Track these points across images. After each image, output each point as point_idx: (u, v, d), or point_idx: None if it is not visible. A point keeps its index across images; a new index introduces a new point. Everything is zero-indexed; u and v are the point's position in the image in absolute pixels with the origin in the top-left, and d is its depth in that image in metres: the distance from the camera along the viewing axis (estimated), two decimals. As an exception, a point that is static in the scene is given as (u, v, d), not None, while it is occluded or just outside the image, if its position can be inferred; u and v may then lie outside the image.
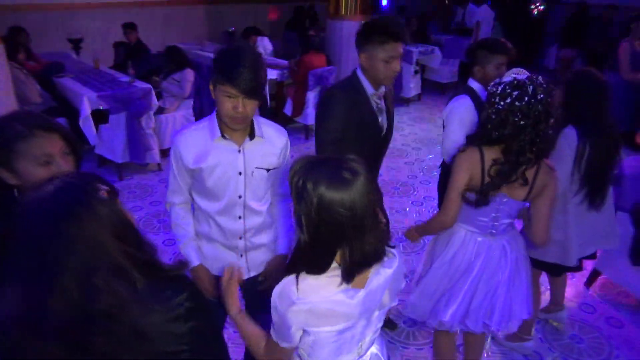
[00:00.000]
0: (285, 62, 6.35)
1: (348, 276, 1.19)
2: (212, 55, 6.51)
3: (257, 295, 1.99)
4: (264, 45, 7.47)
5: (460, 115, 2.43)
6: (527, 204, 1.94)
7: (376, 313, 1.35)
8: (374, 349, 1.43)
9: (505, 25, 9.29)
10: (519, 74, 1.72)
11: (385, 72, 2.04)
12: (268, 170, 1.77)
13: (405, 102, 7.55)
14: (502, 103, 1.69)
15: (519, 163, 1.77)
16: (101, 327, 0.87)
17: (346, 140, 2.10)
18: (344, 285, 1.20)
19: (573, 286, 3.23)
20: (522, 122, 1.68)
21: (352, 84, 2.15)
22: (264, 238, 1.89)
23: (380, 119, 2.22)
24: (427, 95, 8.11)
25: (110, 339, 0.87)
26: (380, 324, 1.42)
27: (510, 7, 9.51)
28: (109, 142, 4.61)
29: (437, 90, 8.31)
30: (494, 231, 1.96)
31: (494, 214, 1.92)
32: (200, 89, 5.94)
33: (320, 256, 1.19)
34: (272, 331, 1.29)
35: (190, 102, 5.31)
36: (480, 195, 1.85)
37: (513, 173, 1.80)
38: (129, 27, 6.49)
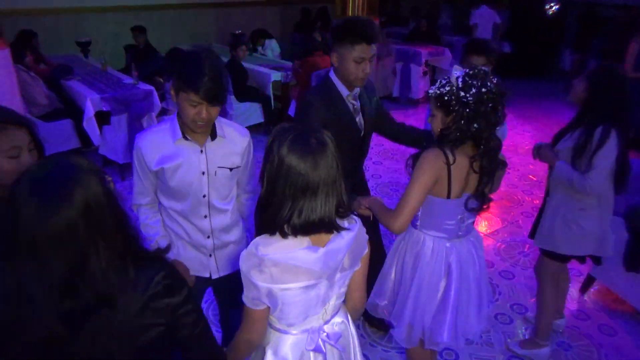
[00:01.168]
0: (290, 64, 6.38)
1: (294, 231, 1.26)
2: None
3: (228, 293, 2.01)
4: (272, 47, 7.52)
5: None
6: None
7: (338, 275, 1.38)
8: (338, 319, 1.47)
9: (520, 26, 9.18)
10: (458, 69, 1.69)
11: (355, 73, 2.03)
12: (231, 169, 1.80)
13: (414, 103, 7.50)
14: (468, 96, 1.63)
15: (495, 150, 1.75)
16: (93, 310, 0.99)
17: None
18: (306, 244, 1.27)
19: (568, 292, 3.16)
20: (489, 108, 1.65)
21: (326, 88, 2.15)
22: (232, 236, 1.93)
23: (357, 120, 2.22)
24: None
25: (99, 321, 1.00)
26: (344, 289, 1.45)
27: (526, 8, 9.37)
28: (112, 142, 4.69)
29: (446, 92, 8.20)
30: (460, 233, 1.91)
31: (460, 215, 1.87)
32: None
33: (273, 212, 1.25)
34: (243, 298, 1.33)
35: (193, 103, 5.35)
36: (478, 198, 1.82)
37: (494, 162, 1.78)
38: (138, 30, 6.62)
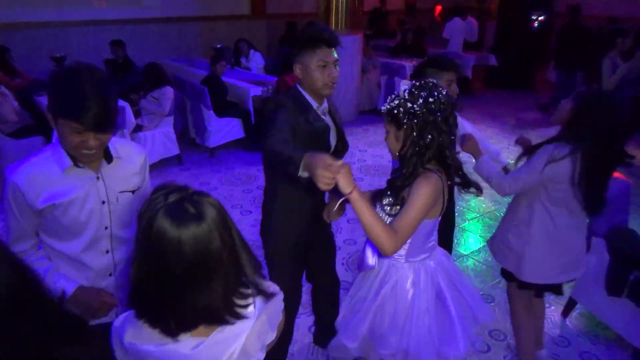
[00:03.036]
0: (273, 79, 6.27)
1: (170, 331, 1.02)
2: (201, 71, 6.47)
3: None
4: (256, 60, 7.43)
5: None
6: None
7: None
8: None
9: (507, 38, 9.16)
10: (406, 84, 1.69)
11: (322, 79, 1.94)
12: (133, 192, 1.62)
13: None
14: (416, 106, 1.59)
15: (454, 159, 1.72)
16: None
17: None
18: (188, 336, 1.04)
19: (548, 315, 3.02)
20: (439, 119, 1.60)
21: (295, 98, 2.02)
22: None
23: (330, 135, 2.10)
24: (422, 110, 7.97)
25: None
26: None
27: (512, 19, 9.36)
28: (83, 160, 4.55)
29: (433, 105, 8.15)
30: (434, 243, 1.89)
31: (435, 230, 1.84)
32: (184, 107, 5.90)
33: (152, 302, 1.02)
34: None
35: (170, 119, 5.24)
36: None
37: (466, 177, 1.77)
38: (116, 44, 6.53)
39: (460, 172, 1.73)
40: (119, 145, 1.61)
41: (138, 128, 5.00)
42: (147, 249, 0.99)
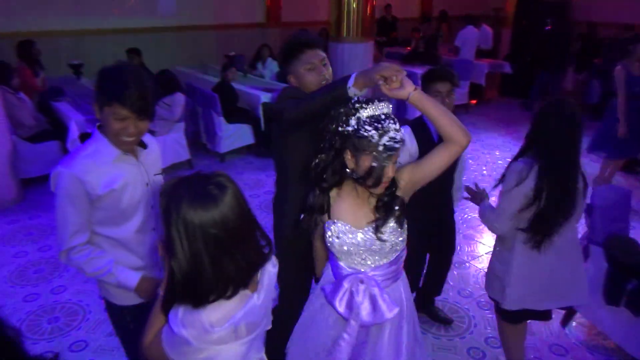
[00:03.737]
0: (284, 86, 6.35)
1: (237, 287, 1.15)
2: (214, 78, 6.58)
3: None
4: (271, 68, 7.53)
5: None
6: None
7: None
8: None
9: (522, 46, 9.10)
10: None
11: (316, 80, 1.98)
12: (161, 174, 1.84)
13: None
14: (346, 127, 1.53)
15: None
16: None
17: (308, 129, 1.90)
18: (245, 295, 1.18)
19: (546, 325, 3.00)
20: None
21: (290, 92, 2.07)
22: None
23: None
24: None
25: None
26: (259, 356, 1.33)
27: (527, 27, 9.30)
28: (96, 164, 4.67)
29: (445, 113, 8.13)
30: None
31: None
32: (196, 113, 6.02)
33: (203, 283, 1.10)
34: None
35: (181, 125, 5.36)
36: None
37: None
38: (133, 52, 6.69)
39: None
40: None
41: (150, 133, 5.11)
42: (191, 242, 1.08)
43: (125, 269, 1.74)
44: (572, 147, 2.01)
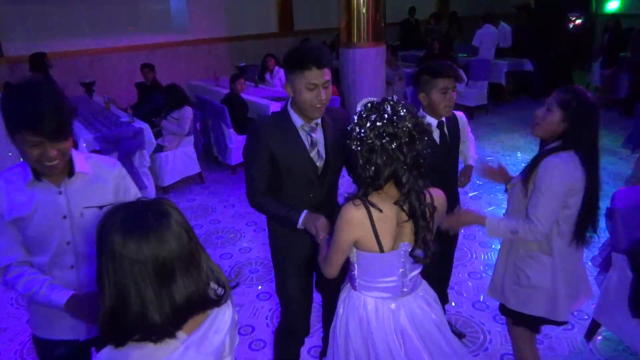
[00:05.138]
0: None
1: (161, 334, 1.01)
2: (226, 90, 6.55)
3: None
4: (280, 77, 7.48)
5: None
6: None
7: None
8: None
9: (543, 42, 8.79)
10: (361, 104, 1.54)
11: (310, 101, 1.86)
12: (101, 207, 1.59)
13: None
14: (362, 131, 1.47)
15: (421, 191, 1.56)
16: None
17: (277, 174, 1.99)
18: (182, 337, 1.05)
19: (569, 340, 2.78)
20: (393, 145, 1.45)
21: (278, 116, 2.02)
22: None
23: (313, 153, 2.02)
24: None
25: None
26: None
27: (548, 23, 8.98)
28: (105, 181, 4.68)
29: (465, 115, 7.89)
30: (405, 289, 1.67)
31: (401, 269, 1.64)
32: (207, 125, 5.99)
33: (130, 318, 1.01)
34: None
35: (191, 139, 5.33)
36: (421, 247, 1.60)
37: (422, 205, 1.57)
38: (146, 67, 6.75)
39: (407, 203, 1.54)
40: (88, 160, 1.63)
41: (159, 148, 5.10)
42: (118, 276, 0.99)
43: (59, 287, 1.57)
44: (597, 132, 1.93)
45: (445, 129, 2.41)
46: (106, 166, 1.66)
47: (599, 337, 2.78)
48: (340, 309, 1.74)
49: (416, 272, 1.69)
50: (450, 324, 2.88)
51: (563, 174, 1.87)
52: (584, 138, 1.92)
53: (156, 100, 5.87)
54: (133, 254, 0.98)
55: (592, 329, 2.76)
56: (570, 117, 1.90)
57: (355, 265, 1.65)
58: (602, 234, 2.93)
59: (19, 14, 6.92)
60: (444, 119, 2.39)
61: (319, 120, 2.01)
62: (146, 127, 4.81)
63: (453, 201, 2.61)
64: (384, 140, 1.45)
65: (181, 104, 5.13)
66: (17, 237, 1.58)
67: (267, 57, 7.69)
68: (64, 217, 1.57)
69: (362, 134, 1.47)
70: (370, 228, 1.54)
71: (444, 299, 2.88)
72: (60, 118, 1.39)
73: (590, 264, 2.89)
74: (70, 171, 1.55)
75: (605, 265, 2.77)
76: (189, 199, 5.15)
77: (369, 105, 1.51)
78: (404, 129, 1.45)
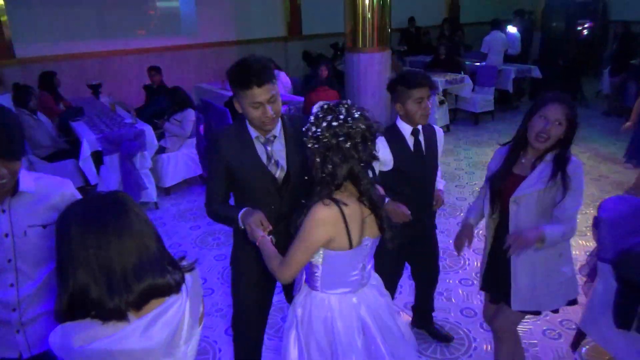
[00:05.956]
0: (299, 99, 6.32)
1: (112, 315, 1.06)
2: (229, 93, 6.64)
3: None
4: (282, 81, 7.53)
5: None
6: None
7: (182, 348, 1.18)
8: None
9: (552, 49, 8.73)
10: (317, 107, 1.61)
11: (258, 118, 1.84)
12: (45, 226, 1.59)
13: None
14: (319, 130, 1.54)
15: (372, 185, 1.64)
16: None
17: (237, 187, 2.01)
18: (134, 319, 1.09)
19: (555, 349, 2.77)
20: (347, 144, 1.53)
21: (236, 128, 2.00)
22: (44, 306, 1.66)
23: (270, 163, 2.00)
24: (459, 125, 7.72)
25: None
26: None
27: (558, 29, 8.92)
28: (107, 181, 4.77)
29: (471, 121, 7.88)
30: (364, 281, 1.77)
31: (362, 263, 1.72)
32: (210, 128, 6.05)
33: (89, 300, 1.07)
34: None
35: (193, 140, 5.39)
36: (392, 245, 1.68)
37: (375, 196, 1.65)
38: (153, 70, 6.85)
39: (369, 200, 1.62)
40: (35, 179, 1.62)
41: (161, 150, 5.18)
42: (77, 261, 1.06)
43: None
44: None
45: (421, 137, 2.42)
46: (54, 186, 1.65)
47: (584, 348, 2.76)
48: (298, 311, 1.75)
49: (371, 264, 1.79)
50: (438, 327, 2.90)
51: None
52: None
53: (160, 103, 5.95)
54: (91, 245, 1.04)
55: (578, 339, 2.74)
56: (571, 126, 2.02)
57: (320, 266, 1.68)
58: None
59: (31, 16, 7.07)
60: (419, 127, 2.41)
61: (277, 132, 1.98)
62: (148, 129, 4.89)
63: (429, 213, 2.62)
64: (339, 139, 1.52)
65: (184, 107, 5.20)
66: None
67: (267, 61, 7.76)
68: (6, 235, 1.56)
69: (318, 133, 1.53)
70: (343, 225, 1.59)
71: (430, 307, 2.89)
72: (10, 138, 1.40)
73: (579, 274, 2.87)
74: (13, 189, 1.55)
75: (593, 274, 2.75)
76: (189, 200, 5.21)
77: (325, 107, 1.57)
78: (358, 129, 1.53)
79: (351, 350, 1.67)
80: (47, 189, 1.62)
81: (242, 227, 1.87)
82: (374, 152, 1.60)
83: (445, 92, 7.41)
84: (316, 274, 1.70)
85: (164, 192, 5.31)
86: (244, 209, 1.88)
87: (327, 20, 9.32)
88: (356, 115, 1.54)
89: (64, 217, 1.10)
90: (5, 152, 1.41)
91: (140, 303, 1.09)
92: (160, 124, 5.32)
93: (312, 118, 1.57)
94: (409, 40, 10.16)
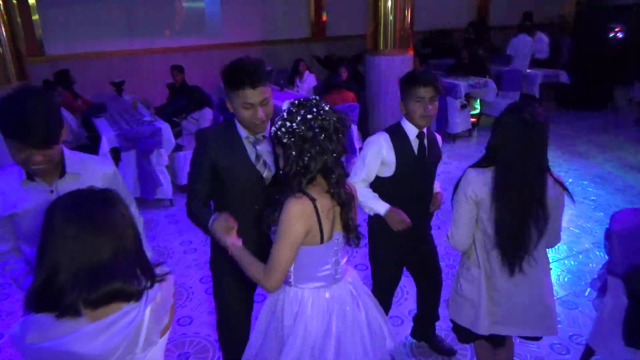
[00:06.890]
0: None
1: (67, 309, 1.07)
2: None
3: None
4: (309, 81, 7.54)
5: (366, 151, 2.34)
6: None
7: (137, 356, 1.18)
8: None
9: (584, 55, 8.48)
10: (287, 104, 1.64)
11: (249, 119, 1.85)
12: None
13: (452, 138, 7.09)
14: (294, 124, 1.55)
15: (343, 178, 1.67)
16: None
17: (221, 186, 1.98)
18: (84, 322, 1.09)
19: (561, 365, 2.67)
20: (322, 136, 1.55)
21: (225, 127, 2.00)
22: None
23: (258, 163, 1.99)
24: (482, 131, 7.57)
25: None
26: None
27: (589, 34, 8.65)
28: (124, 178, 4.86)
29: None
30: (338, 276, 1.76)
31: (334, 258, 1.72)
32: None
33: (57, 292, 1.08)
34: None
35: (209, 139, 5.44)
36: (350, 231, 1.71)
37: (343, 190, 1.67)
38: (176, 69, 6.96)
39: (337, 192, 1.63)
40: (81, 161, 1.73)
41: (178, 148, 5.25)
42: (55, 248, 1.09)
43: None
44: (535, 154, 1.83)
45: (425, 142, 2.37)
46: (98, 166, 1.76)
47: (594, 364, 2.65)
48: (278, 307, 1.75)
49: (345, 259, 1.79)
50: (440, 338, 2.83)
51: (464, 185, 1.95)
52: (507, 155, 1.86)
53: (180, 101, 6.04)
54: (70, 234, 1.08)
55: (587, 355, 2.64)
56: (498, 132, 1.93)
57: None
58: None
59: (60, 15, 7.29)
60: (424, 130, 2.35)
61: (267, 133, 1.97)
62: (166, 127, 4.95)
63: (426, 218, 2.57)
64: (315, 131, 1.54)
65: (201, 106, 5.27)
66: (10, 230, 1.71)
67: (299, 61, 7.80)
68: None
69: (293, 127, 1.54)
70: (315, 219, 1.60)
71: (434, 315, 2.82)
72: (46, 127, 1.49)
73: (589, 289, 2.78)
74: (61, 172, 1.66)
75: (604, 289, 2.64)
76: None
77: (296, 102, 1.60)
78: (330, 121, 1.57)
79: (322, 346, 1.68)
80: (91, 170, 1.73)
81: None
82: (344, 144, 1.64)
83: (468, 96, 7.28)
84: (289, 269, 1.69)
85: (180, 189, 5.37)
86: (215, 215, 1.84)
87: (351, 22, 9.30)
88: (327, 109, 1.59)
89: (54, 204, 1.14)
90: (37, 142, 1.49)
91: (99, 303, 1.09)
92: (178, 122, 5.39)
93: (284, 114, 1.59)
94: (434, 43, 10.03)
